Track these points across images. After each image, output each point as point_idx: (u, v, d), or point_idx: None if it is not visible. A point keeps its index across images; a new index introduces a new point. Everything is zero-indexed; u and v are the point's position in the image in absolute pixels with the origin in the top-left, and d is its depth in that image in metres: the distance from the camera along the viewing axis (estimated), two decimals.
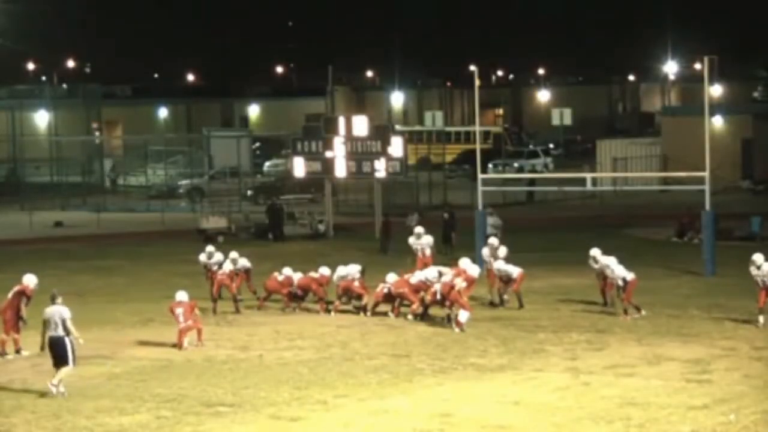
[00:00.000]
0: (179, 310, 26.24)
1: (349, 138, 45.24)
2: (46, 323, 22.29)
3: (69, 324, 22.15)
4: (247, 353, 25.68)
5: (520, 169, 72.33)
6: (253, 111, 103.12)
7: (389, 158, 44.93)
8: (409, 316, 28.89)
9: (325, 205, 48.50)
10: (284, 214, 47.53)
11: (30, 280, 26.10)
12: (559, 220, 51.12)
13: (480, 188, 38.47)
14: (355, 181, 50.91)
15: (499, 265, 30.65)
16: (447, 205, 48.74)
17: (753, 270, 28.15)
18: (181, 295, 26.55)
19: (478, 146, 40.47)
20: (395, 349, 25.75)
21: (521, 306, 30.22)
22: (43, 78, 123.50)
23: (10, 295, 25.77)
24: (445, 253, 38.13)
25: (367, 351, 25.54)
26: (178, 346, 26.04)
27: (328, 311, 29.88)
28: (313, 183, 52.11)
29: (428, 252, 34.04)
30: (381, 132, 46.12)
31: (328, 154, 45.65)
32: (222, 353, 25.68)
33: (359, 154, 45.23)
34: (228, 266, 30.49)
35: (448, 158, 71.46)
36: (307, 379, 23.06)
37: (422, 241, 34.59)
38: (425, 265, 31.59)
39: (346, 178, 48.07)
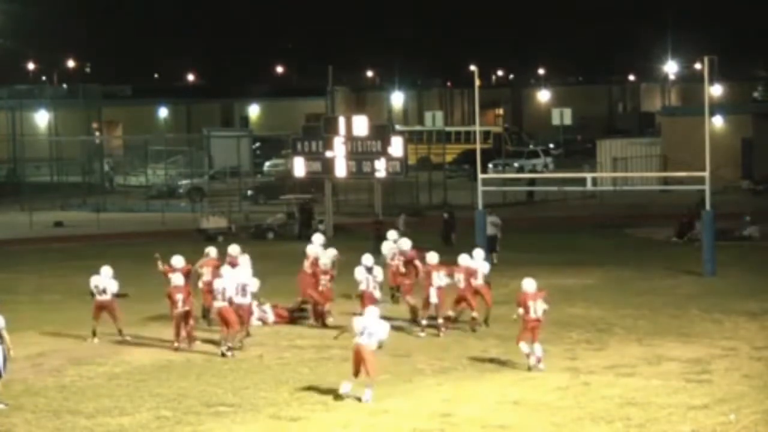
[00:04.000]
0: (179, 296, 26.23)
1: (349, 138, 45.23)
2: None
3: (4, 333, 21.84)
4: (247, 353, 25.68)
5: (520, 169, 72.34)
6: (253, 111, 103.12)
7: (389, 158, 44.91)
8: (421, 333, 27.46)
9: (325, 205, 48.51)
10: (314, 215, 47.61)
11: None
12: (559, 220, 51.12)
13: (480, 188, 38.44)
14: (355, 181, 50.92)
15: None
16: (447, 205, 48.74)
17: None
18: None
19: (478, 146, 40.45)
20: (395, 349, 25.74)
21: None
22: (43, 78, 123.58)
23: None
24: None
25: None
26: (174, 336, 26.04)
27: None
28: (313, 183, 52.12)
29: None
30: (381, 132, 46.12)
31: (328, 154, 45.65)
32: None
33: (359, 154, 45.22)
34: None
35: (449, 158, 71.45)
36: (307, 379, 23.06)
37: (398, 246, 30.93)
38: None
39: (346, 178, 48.07)
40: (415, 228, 42.89)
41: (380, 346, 22.27)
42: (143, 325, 28.93)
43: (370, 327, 21.59)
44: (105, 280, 27.41)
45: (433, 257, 27.75)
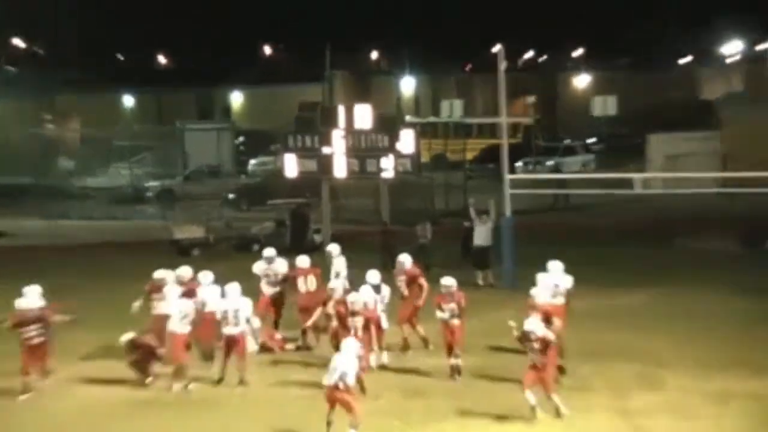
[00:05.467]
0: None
1: (351, 131, 45.04)
2: None
3: None
4: (232, 388, 25.51)
5: (555, 169, 72.30)
6: (236, 100, 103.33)
7: (398, 155, 44.72)
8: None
9: (322, 211, 48.36)
10: (310, 222, 47.49)
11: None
12: (599, 229, 50.95)
13: (507, 191, 38.31)
14: (358, 182, 50.75)
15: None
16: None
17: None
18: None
19: (505, 141, 40.33)
20: (405, 389, 25.45)
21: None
22: None
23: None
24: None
25: (373, 388, 25.20)
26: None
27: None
28: (307, 185, 51.97)
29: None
30: (388, 124, 45.94)
31: (326, 150, 45.45)
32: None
33: (362, 150, 45.04)
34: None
35: (469, 156, 71.40)
36: (295, 419, 22.82)
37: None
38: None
39: (347, 179, 47.88)
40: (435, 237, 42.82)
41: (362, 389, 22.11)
42: (107, 354, 28.62)
43: (343, 365, 21.61)
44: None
45: (448, 280, 27.22)
